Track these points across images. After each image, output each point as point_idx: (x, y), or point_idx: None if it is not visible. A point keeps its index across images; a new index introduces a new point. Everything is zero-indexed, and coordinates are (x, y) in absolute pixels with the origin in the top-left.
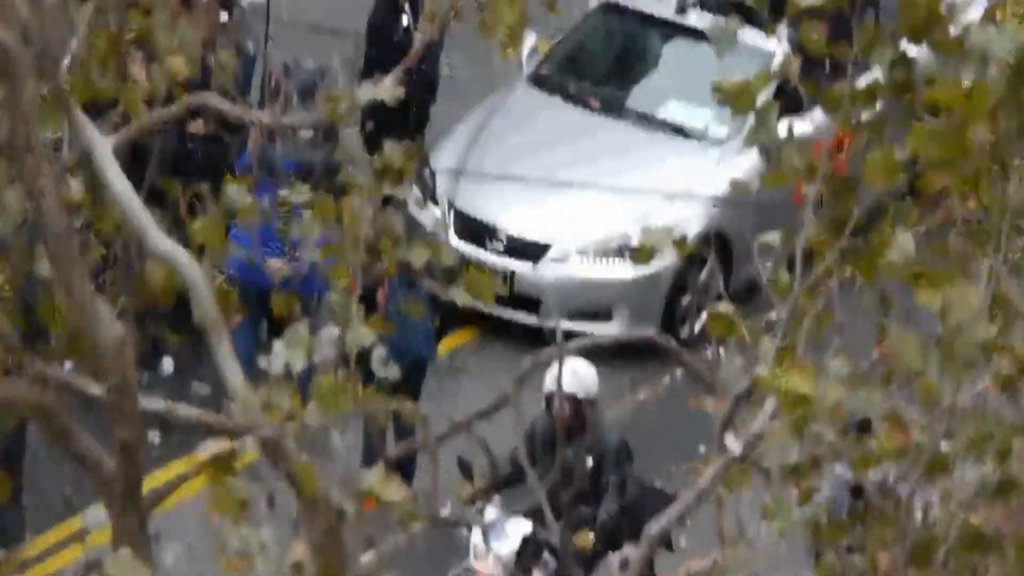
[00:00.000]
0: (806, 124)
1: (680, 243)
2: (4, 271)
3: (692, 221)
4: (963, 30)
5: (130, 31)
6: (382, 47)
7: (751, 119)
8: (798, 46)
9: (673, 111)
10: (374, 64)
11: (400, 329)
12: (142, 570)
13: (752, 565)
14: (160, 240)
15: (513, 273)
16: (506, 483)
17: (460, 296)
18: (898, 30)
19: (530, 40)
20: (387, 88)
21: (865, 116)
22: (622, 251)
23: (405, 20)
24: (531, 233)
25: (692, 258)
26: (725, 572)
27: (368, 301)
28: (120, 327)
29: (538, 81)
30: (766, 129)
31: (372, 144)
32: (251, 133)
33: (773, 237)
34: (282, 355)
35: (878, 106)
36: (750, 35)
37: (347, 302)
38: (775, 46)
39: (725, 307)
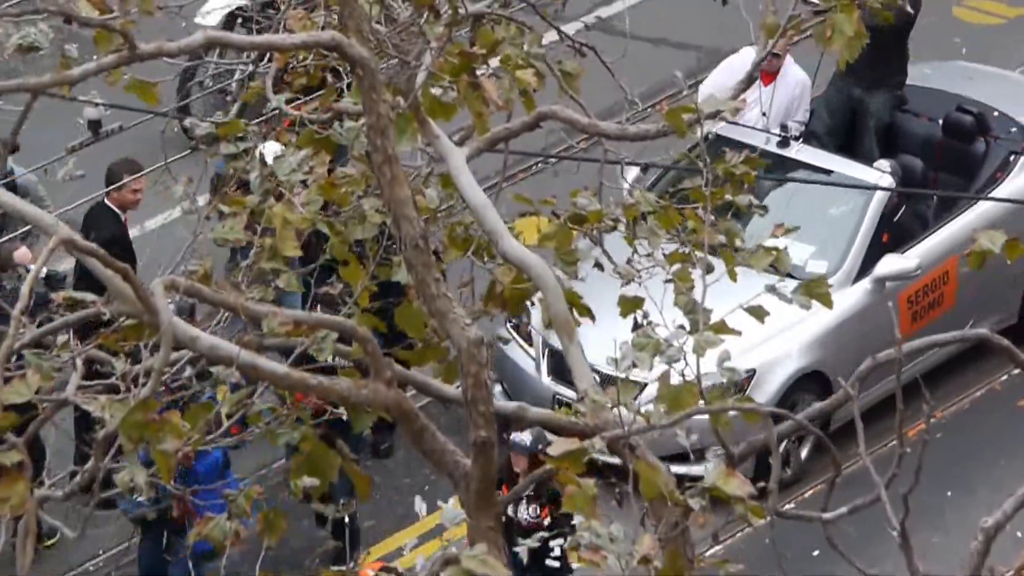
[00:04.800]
0: (910, 260)
1: (1013, 245)
2: (363, 278)
3: (791, 358)
4: None
5: (480, 46)
6: None
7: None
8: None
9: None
10: None
11: None
12: (497, 566)
13: None
14: (512, 245)
15: None
16: None
17: None
18: None
19: (632, 172)
20: (727, 101)
21: None
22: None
23: None
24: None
25: (789, 399)
26: None
27: None
28: (475, 330)
29: None
30: None
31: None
32: None
33: None
34: (630, 356)
35: None
36: (854, 167)
37: (694, 304)
38: (879, 178)
39: None
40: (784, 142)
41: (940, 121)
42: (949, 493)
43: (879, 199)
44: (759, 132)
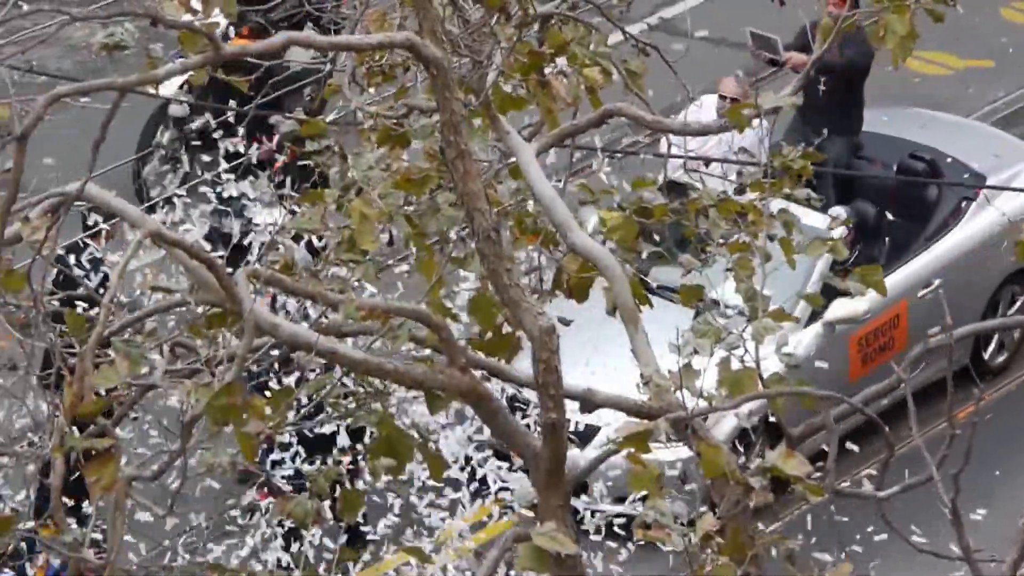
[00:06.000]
0: (860, 304)
1: None
2: (438, 269)
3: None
4: None
5: (548, 45)
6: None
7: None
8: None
9: (728, 292)
10: None
11: None
12: (567, 542)
13: None
14: (580, 237)
15: None
16: None
17: None
18: None
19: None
20: (786, 97)
21: None
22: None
23: None
24: (579, 415)
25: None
26: None
27: None
28: (546, 318)
29: None
30: None
31: None
32: None
33: None
34: (692, 343)
35: None
36: (809, 214)
37: (754, 292)
38: (822, 222)
39: None
40: (741, 190)
41: (894, 167)
42: (997, 472)
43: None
44: (716, 177)
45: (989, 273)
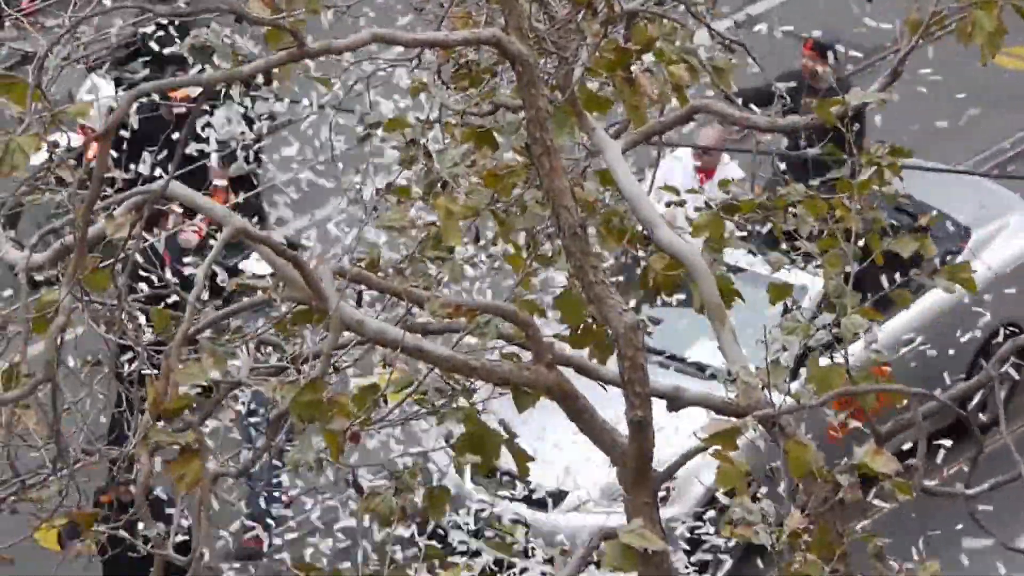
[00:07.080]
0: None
1: None
2: (523, 266)
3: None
4: None
5: (634, 42)
6: None
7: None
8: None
9: (701, 351)
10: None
11: None
12: (654, 539)
13: None
14: (666, 234)
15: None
16: None
17: None
18: None
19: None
20: (875, 93)
21: None
22: None
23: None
24: (547, 479)
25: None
26: None
27: None
28: (632, 315)
29: None
30: None
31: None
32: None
33: None
34: (779, 339)
35: None
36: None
37: (843, 289)
38: (808, 280)
39: None
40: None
41: None
42: None
43: (811, 302)
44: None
45: (975, 329)
